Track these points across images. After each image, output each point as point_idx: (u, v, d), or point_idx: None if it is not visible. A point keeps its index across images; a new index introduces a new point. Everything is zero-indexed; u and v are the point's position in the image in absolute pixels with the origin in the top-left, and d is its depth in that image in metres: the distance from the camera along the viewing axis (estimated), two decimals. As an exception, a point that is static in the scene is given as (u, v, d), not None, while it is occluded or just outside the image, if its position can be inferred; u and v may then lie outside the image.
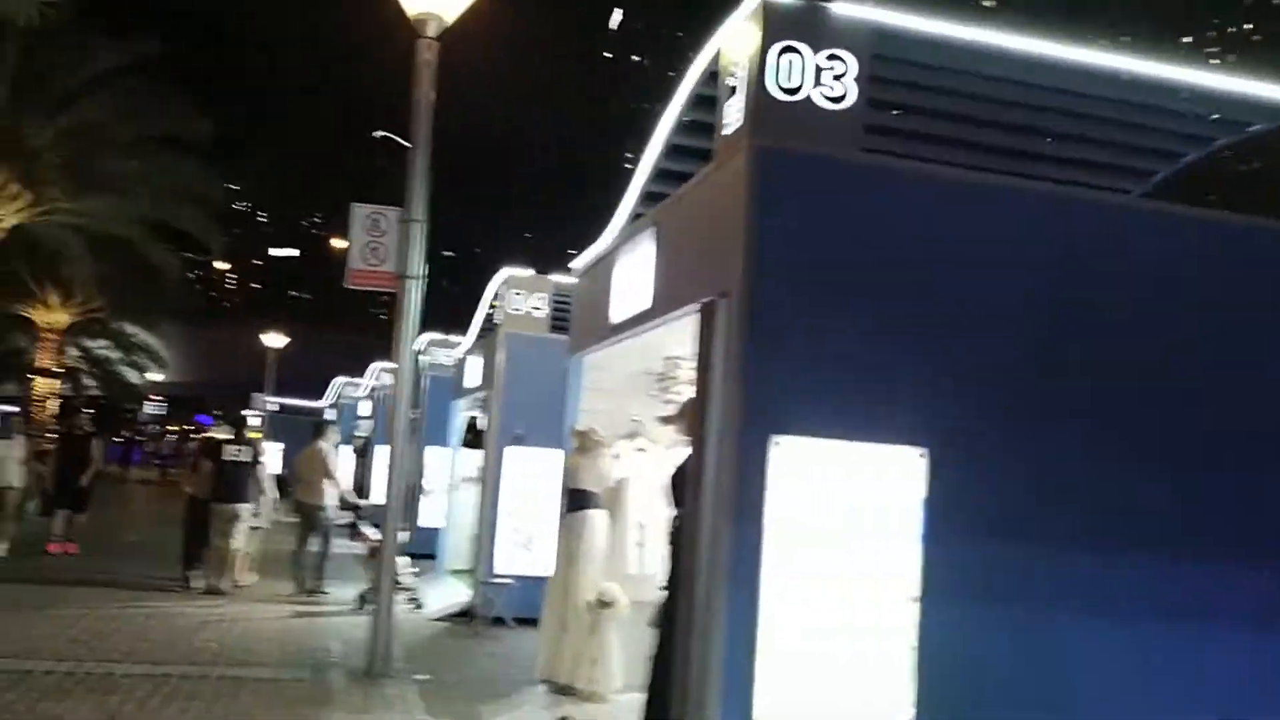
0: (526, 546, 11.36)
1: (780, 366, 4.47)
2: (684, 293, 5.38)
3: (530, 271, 12.42)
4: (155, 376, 54.38)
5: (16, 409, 38.94)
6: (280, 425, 38.14)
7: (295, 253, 74.44)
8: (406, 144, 8.86)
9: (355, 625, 10.66)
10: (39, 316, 36.08)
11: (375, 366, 25.21)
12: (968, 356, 4.69)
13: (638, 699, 7.25)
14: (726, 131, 5.00)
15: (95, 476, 15.52)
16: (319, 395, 37.41)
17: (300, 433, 37.68)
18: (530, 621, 11.02)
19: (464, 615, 11.54)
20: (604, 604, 7.27)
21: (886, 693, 4.42)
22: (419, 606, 11.92)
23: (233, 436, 13.29)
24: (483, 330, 13.48)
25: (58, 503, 14.82)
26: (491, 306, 12.93)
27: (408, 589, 12.27)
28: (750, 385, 4.45)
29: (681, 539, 4.87)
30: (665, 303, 5.80)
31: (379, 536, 12.39)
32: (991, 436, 4.70)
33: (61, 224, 23.37)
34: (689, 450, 5.53)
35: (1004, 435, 4.73)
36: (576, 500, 7.64)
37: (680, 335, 6.97)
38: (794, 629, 4.31)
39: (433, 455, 16.78)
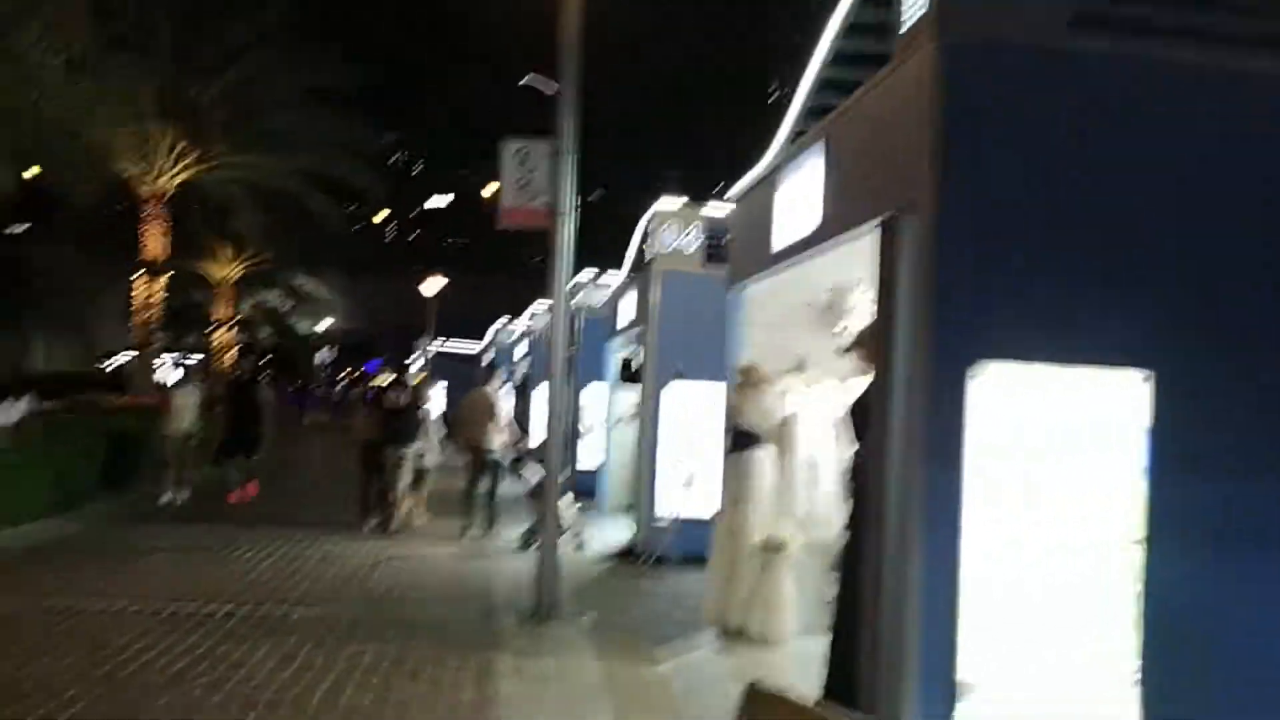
0: (688, 485, 11.10)
1: (978, 284, 3.97)
2: (859, 211, 4.90)
3: (681, 204, 12.02)
4: (325, 325, 56.70)
5: (200, 357, 41.18)
6: (442, 368, 39.15)
7: (448, 200, 75.57)
8: (551, 90, 8.61)
9: (520, 566, 10.65)
10: (213, 270, 37.81)
11: (531, 308, 25.36)
12: (1198, 267, 4.07)
13: (813, 644, 6.94)
14: (906, 27, 4.46)
15: (267, 422, 15.62)
16: (479, 338, 38.06)
17: (460, 375, 38.58)
18: (695, 561, 10.82)
19: (627, 555, 11.43)
20: (774, 546, 6.94)
21: (1107, 648, 3.93)
22: (582, 546, 11.86)
23: (394, 381, 13.51)
24: (635, 267, 13.18)
25: (230, 449, 14.87)
26: (643, 243, 12.60)
27: (570, 529, 12.22)
28: (943, 307, 3.97)
29: (864, 478, 4.46)
30: (836, 223, 5.33)
31: (540, 476, 12.50)
32: (1226, 358, 4.09)
33: (227, 179, 24.18)
34: (868, 381, 5.09)
35: (1240, 357, 4.11)
36: (741, 439, 7.29)
37: (847, 262, 6.50)
38: (1001, 578, 3.86)
39: (589, 394, 16.66)
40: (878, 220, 4.49)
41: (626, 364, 13.82)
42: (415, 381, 14.98)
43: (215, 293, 38.75)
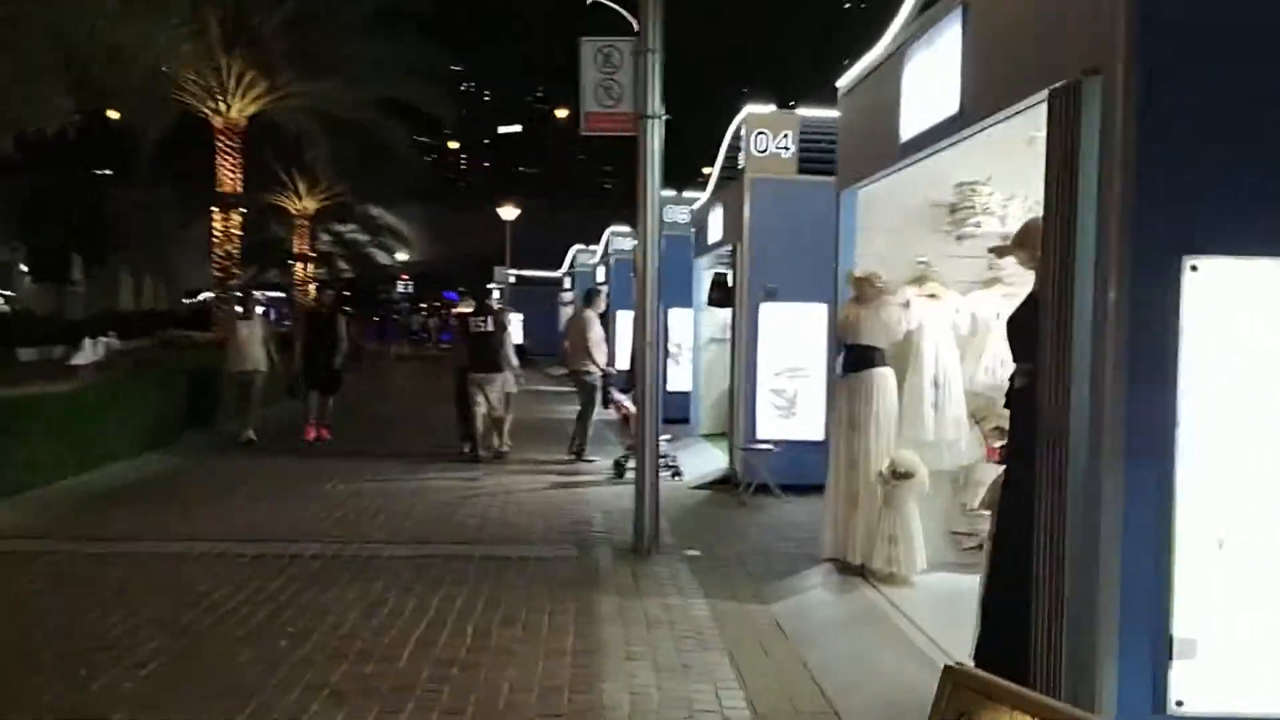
0: (789, 409, 10.48)
1: (1192, 160, 3.21)
2: (1016, 84, 4.12)
3: (773, 108, 11.21)
4: (402, 257, 56.72)
5: (282, 294, 41.41)
6: (520, 296, 38.89)
7: (519, 128, 75.28)
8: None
9: (615, 495, 10.17)
10: (290, 204, 37.75)
11: (609, 231, 24.68)
12: None
13: (941, 581, 6.31)
14: None
15: (347, 356, 14.82)
16: (554, 266, 37.56)
17: (539, 303, 38.09)
18: (797, 489, 10.26)
19: (724, 483, 10.87)
20: (899, 475, 6.27)
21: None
22: (677, 475, 11.32)
23: (478, 308, 13.03)
24: (723, 179, 12.41)
25: (309, 383, 14.00)
26: (731, 152, 11.80)
27: (663, 457, 11.69)
28: (1147, 190, 3.22)
29: (1032, 402, 3.76)
30: (983, 102, 4.55)
31: (631, 403, 11.96)
32: None
33: (297, 109, 23.74)
34: (1026, 288, 4.36)
35: None
36: (858, 357, 6.58)
37: (977, 155, 5.73)
38: (1228, 523, 3.17)
39: (676, 317, 15.92)
40: (1044, 92, 3.72)
41: (719, 280, 13.13)
42: (497, 307, 14.48)
43: (294, 227, 38.78)
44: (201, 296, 52.92)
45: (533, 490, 10.54)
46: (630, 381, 12.95)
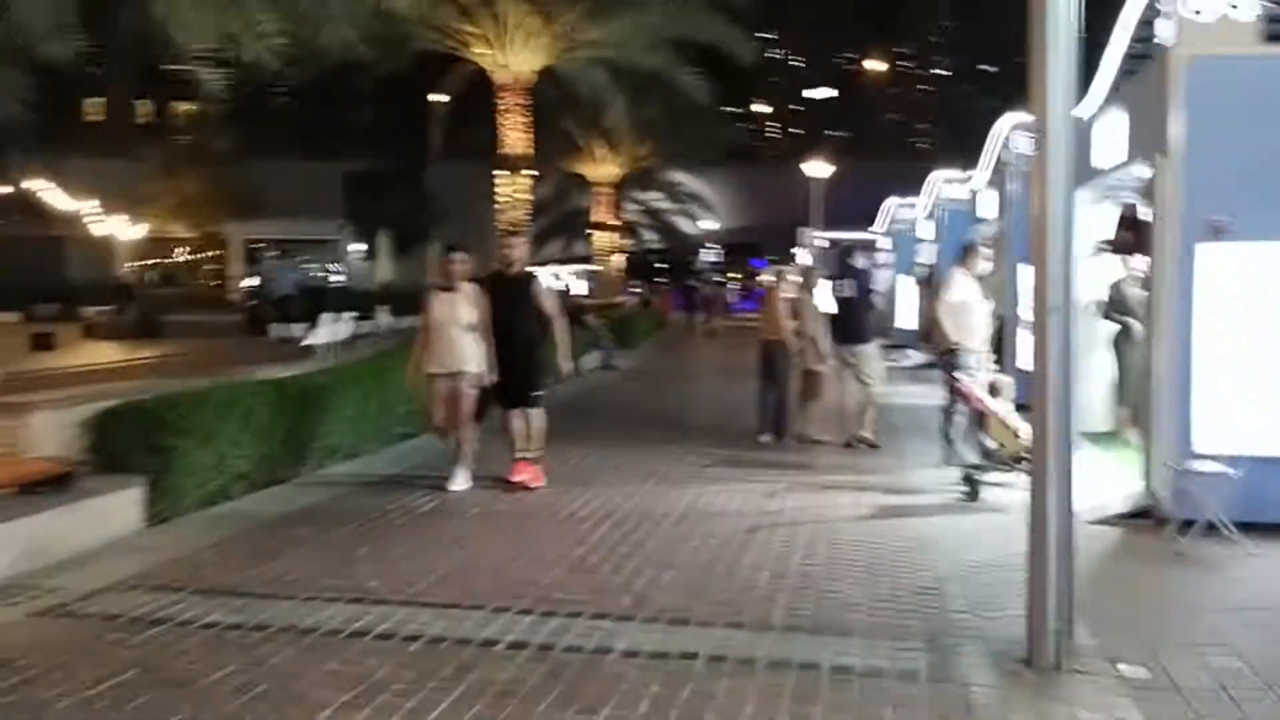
0: (1257, 409, 6.82)
1: None
2: None
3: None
4: (708, 225, 54.70)
5: (592, 268, 40.40)
6: (833, 263, 35.55)
7: (833, 93, 71.70)
8: None
9: (973, 535, 6.97)
10: (589, 171, 36.41)
11: (936, 178, 20.99)
12: None
13: None
14: None
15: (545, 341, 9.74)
16: (866, 230, 33.94)
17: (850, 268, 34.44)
18: (1259, 529, 6.67)
19: (1138, 516, 7.35)
20: None
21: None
22: (1059, 498, 7.89)
23: (838, 271, 11.26)
24: (1127, 71, 8.73)
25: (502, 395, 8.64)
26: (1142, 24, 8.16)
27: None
28: None
29: None
30: None
31: (985, 391, 8.61)
32: None
33: (587, 60, 21.67)
34: None
35: None
36: None
37: None
38: None
39: (1024, 275, 13.32)
40: None
41: (1129, 215, 9.45)
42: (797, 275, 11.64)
43: (594, 194, 37.49)
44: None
45: (852, 519, 7.49)
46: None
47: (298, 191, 45.08)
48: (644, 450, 10.25)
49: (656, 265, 58.25)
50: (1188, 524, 6.74)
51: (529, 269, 9.11)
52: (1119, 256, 9.82)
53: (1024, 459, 8.27)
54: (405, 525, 7.22)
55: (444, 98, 33.00)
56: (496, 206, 20.85)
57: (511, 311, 8.28)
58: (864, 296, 10.90)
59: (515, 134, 20.36)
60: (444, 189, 43.27)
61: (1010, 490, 8.25)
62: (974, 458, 8.53)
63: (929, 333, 9.79)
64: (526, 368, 8.44)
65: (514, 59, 20.14)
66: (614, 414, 13.58)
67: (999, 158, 14.46)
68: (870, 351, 10.84)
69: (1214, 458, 6.79)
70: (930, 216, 22.21)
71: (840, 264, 11.42)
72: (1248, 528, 6.66)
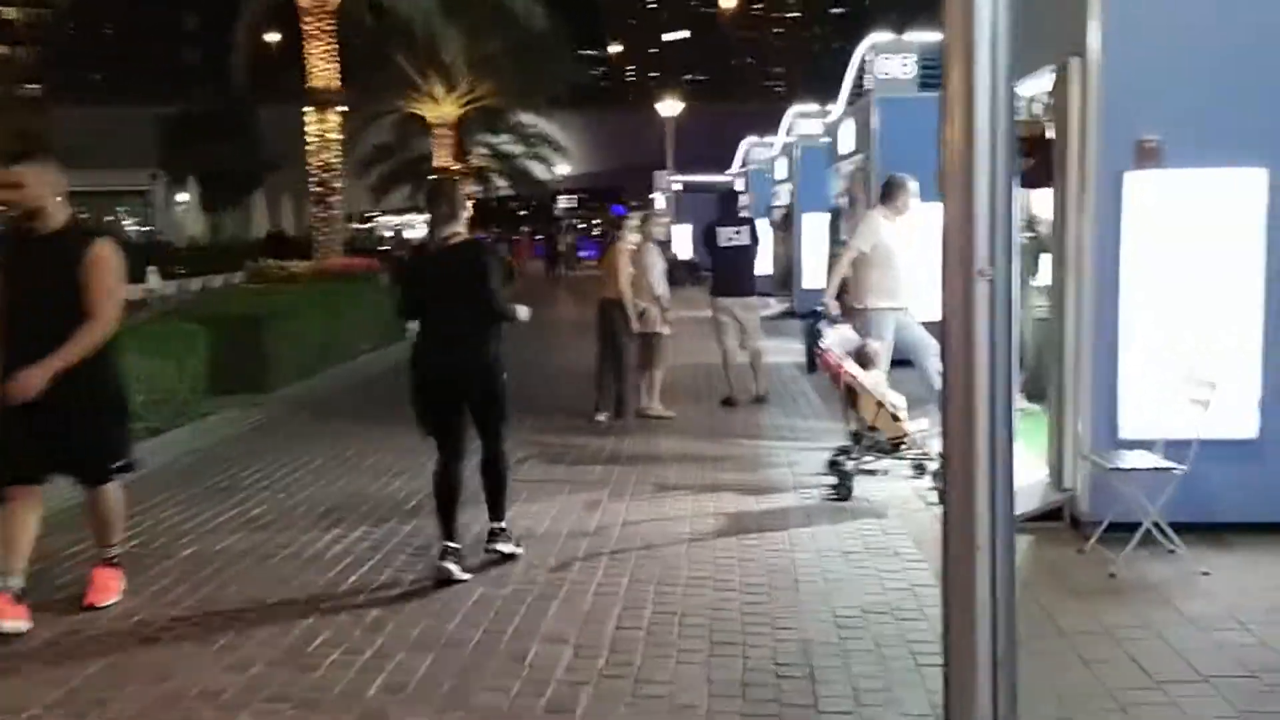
0: (1200, 382, 5.31)
1: None
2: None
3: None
4: (563, 170, 52.48)
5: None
6: (689, 205, 34.29)
7: (686, 34, 70.47)
8: None
9: (850, 558, 5.34)
10: (428, 112, 33.73)
11: (793, 114, 19.45)
12: None
13: None
14: None
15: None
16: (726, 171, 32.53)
17: (707, 211, 33.10)
18: (1198, 530, 5.28)
19: (1048, 518, 5.83)
20: None
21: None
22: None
23: (720, 218, 10.19)
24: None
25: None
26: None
27: (919, 453, 6.75)
28: None
29: None
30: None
31: (849, 358, 7.01)
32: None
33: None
34: None
35: None
36: None
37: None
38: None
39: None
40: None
41: (1034, 140, 7.91)
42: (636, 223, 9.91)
43: (436, 137, 34.80)
44: (383, 220, 49.74)
45: (693, 539, 5.75)
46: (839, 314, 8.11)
47: (108, 138, 40.99)
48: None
49: (518, 213, 55.90)
50: (1099, 526, 5.28)
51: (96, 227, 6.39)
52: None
53: (902, 443, 6.73)
54: None
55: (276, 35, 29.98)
56: (306, 148, 18.37)
57: (41, 297, 4.56)
58: (754, 244, 10.02)
59: (322, 65, 17.84)
60: (283, 134, 39.82)
61: (886, 481, 6.71)
62: (845, 438, 6.95)
63: (834, 288, 8.12)
64: (76, 409, 4.58)
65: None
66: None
67: (861, 85, 12.94)
68: (757, 304, 10.31)
69: (1145, 444, 5.30)
70: (785, 154, 20.72)
71: (727, 209, 10.40)
72: (1182, 528, 5.22)
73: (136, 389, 8.39)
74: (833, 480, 6.63)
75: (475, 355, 5.25)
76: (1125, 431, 5.48)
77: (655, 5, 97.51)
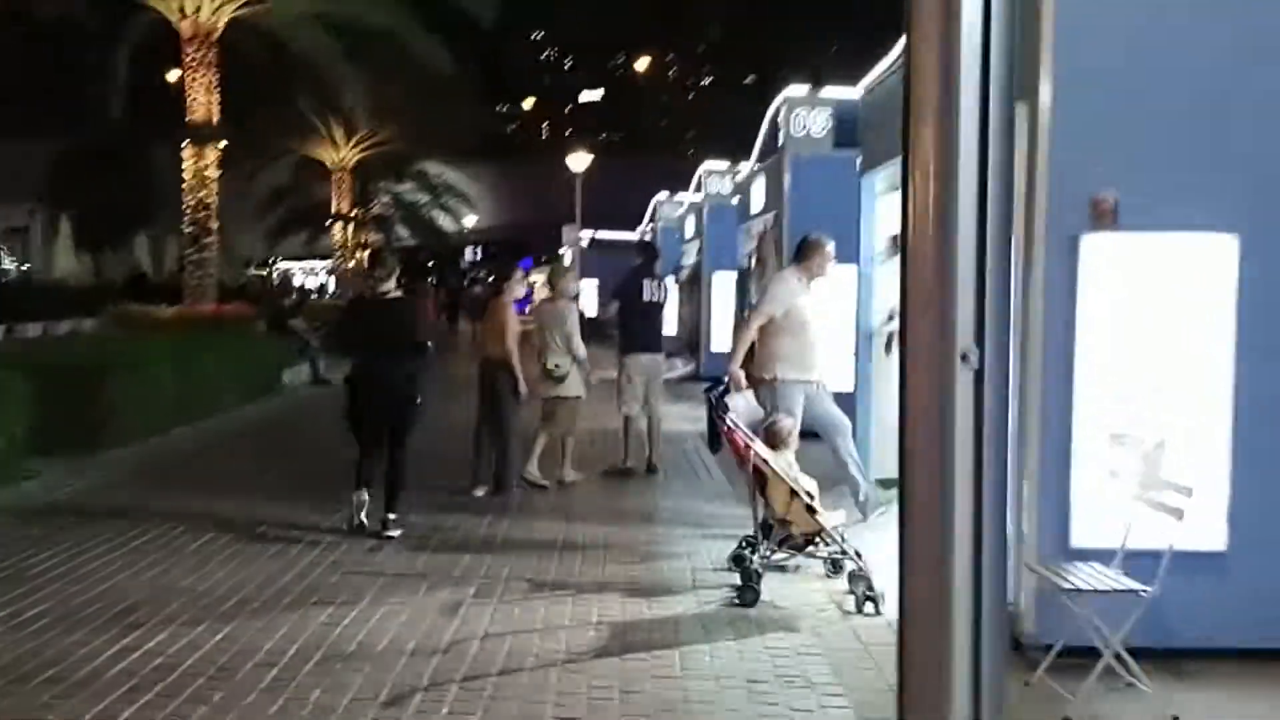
0: (1166, 484, 4.52)
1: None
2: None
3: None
4: (470, 221, 51.43)
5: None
6: (596, 261, 33.63)
7: (599, 94, 70.93)
8: None
9: (756, 659, 4.41)
10: (328, 156, 32.48)
11: (704, 170, 18.80)
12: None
13: None
14: None
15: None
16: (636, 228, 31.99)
17: (616, 271, 32.55)
18: (1156, 656, 4.48)
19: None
20: None
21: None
22: (869, 599, 5.45)
23: (639, 269, 9.72)
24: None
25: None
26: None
27: (835, 550, 5.87)
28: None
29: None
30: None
31: (757, 438, 6.14)
32: None
33: (298, 15, 18.13)
34: None
35: None
36: None
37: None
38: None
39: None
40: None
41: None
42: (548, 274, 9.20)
43: (335, 182, 33.52)
44: (284, 267, 47.59)
45: (566, 664, 4.72)
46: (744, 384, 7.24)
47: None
48: (286, 521, 7.19)
49: (425, 264, 54.58)
50: (1049, 649, 4.44)
51: None
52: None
53: (817, 540, 5.84)
54: None
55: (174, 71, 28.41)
56: (183, 186, 17.05)
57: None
58: (664, 302, 9.79)
59: (202, 97, 16.60)
60: (176, 173, 37.95)
61: (797, 580, 5.82)
62: (753, 532, 6.03)
63: (741, 356, 7.23)
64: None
65: (195, 3, 16.35)
66: (284, 453, 10.41)
67: (775, 140, 12.28)
68: (664, 364, 10.16)
69: (1101, 555, 4.49)
70: (693, 211, 20.09)
71: (649, 261, 9.72)
72: (1139, 653, 4.41)
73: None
74: (737, 580, 5.70)
75: (400, 380, 6.96)
76: (1078, 539, 4.68)
77: (570, 65, 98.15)
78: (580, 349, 8.71)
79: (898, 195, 7.54)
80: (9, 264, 38.90)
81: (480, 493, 8.15)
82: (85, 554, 6.28)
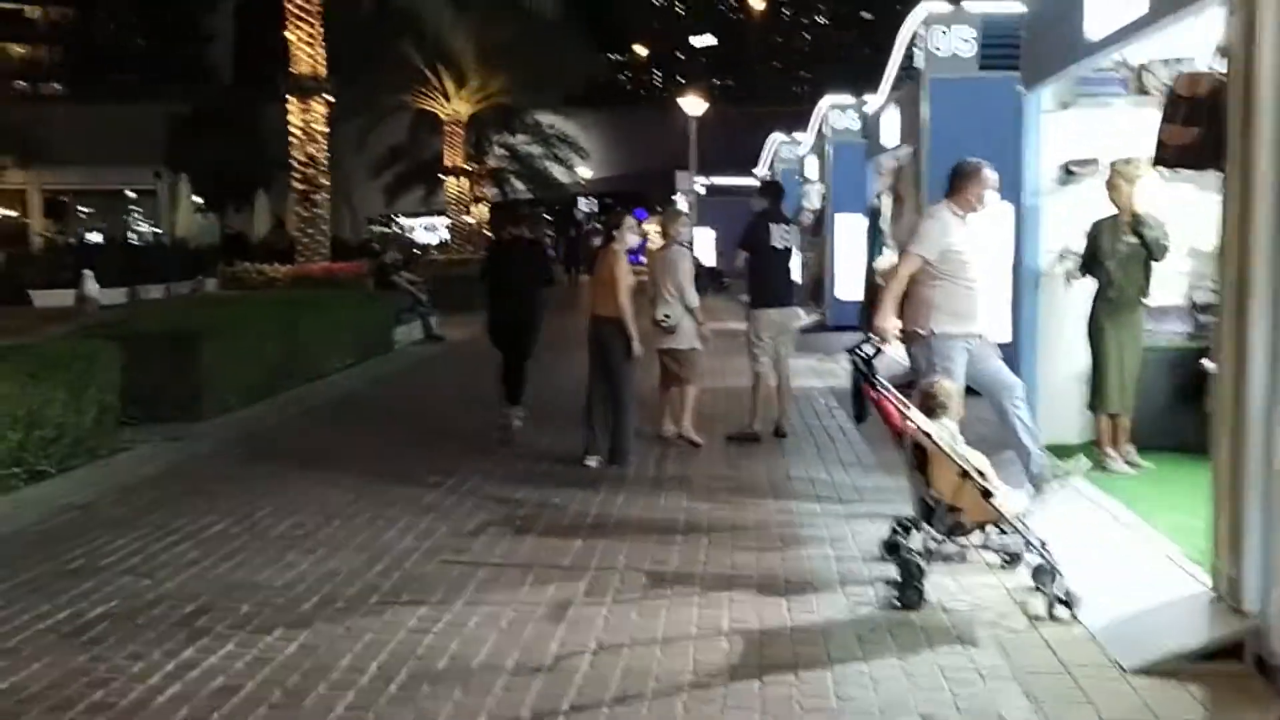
0: None
1: None
2: None
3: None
4: (586, 173, 50.74)
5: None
6: (712, 210, 32.65)
7: (714, 41, 69.14)
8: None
9: (928, 683, 3.50)
10: (441, 109, 32.02)
11: (826, 105, 17.52)
12: None
13: None
14: None
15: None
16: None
17: (734, 218, 31.55)
18: None
19: (1225, 655, 3.95)
20: None
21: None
22: (1064, 602, 4.47)
23: (765, 212, 8.71)
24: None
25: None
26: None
27: (1012, 540, 4.87)
28: None
29: None
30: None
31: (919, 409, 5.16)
32: None
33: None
34: None
35: None
36: None
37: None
38: None
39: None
40: None
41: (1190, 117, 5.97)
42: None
43: (447, 136, 33.09)
44: (404, 223, 48.13)
45: (696, 682, 3.91)
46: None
47: (110, 136, 39.52)
48: (382, 497, 6.55)
49: (544, 215, 54.41)
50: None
51: None
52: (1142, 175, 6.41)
53: (1000, 528, 4.86)
54: None
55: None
56: (290, 141, 16.65)
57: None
58: (793, 247, 8.85)
59: (305, 49, 16.13)
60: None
61: (966, 572, 4.88)
62: (909, 513, 5.09)
63: (891, 308, 6.15)
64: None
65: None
66: (388, 418, 9.84)
67: (910, 65, 11.08)
68: (793, 317, 9.19)
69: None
70: (817, 152, 18.84)
71: (776, 202, 8.82)
72: None
73: (13, 425, 6.78)
74: (892, 574, 4.78)
75: (527, 308, 8.73)
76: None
77: (683, 10, 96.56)
78: (694, 297, 8.08)
79: (1066, 114, 6.35)
80: (144, 226, 40.04)
81: (593, 463, 7.40)
82: (163, 540, 5.72)
